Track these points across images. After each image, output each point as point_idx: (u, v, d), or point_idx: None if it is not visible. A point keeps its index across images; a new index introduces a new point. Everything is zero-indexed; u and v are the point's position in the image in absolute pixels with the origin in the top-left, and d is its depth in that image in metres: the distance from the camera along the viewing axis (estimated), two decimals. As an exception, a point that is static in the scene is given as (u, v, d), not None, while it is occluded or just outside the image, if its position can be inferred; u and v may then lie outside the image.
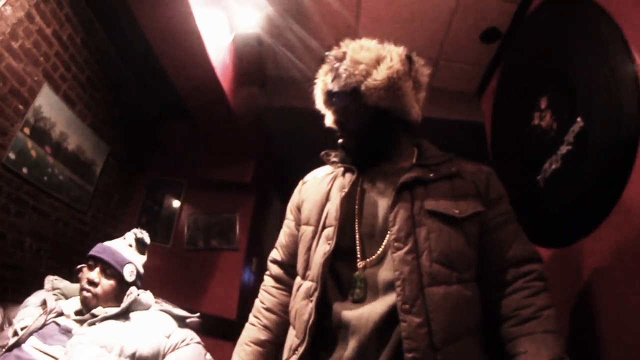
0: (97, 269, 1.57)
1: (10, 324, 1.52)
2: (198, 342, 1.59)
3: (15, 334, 1.43)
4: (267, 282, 1.32)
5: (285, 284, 1.27)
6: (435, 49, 2.87)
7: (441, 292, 0.96)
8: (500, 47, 2.59)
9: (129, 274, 1.61)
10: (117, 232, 3.36)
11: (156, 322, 1.55)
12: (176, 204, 3.60)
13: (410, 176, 1.07)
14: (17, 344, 1.39)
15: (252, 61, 3.06)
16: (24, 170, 2.32)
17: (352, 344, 0.96)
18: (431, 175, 1.09)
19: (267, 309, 1.26)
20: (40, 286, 2.36)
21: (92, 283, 1.54)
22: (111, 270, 1.58)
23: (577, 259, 1.51)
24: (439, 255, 0.99)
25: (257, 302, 1.31)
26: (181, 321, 1.63)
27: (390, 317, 0.95)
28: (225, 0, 2.51)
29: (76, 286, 1.63)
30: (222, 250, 3.42)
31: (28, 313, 1.50)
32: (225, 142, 3.30)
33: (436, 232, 1.01)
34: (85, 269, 1.60)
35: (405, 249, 0.99)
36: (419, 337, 0.91)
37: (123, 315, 1.52)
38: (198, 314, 1.69)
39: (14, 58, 2.17)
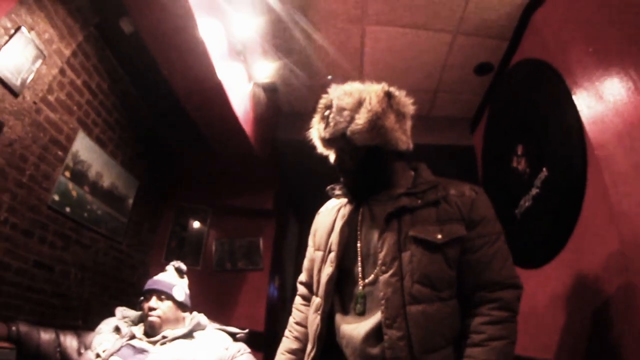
0: (154, 297, 1.87)
1: (87, 348, 1.82)
2: (250, 352, 1.89)
3: (98, 356, 1.69)
4: (297, 300, 1.49)
5: (309, 300, 1.40)
6: (434, 81, 3.14)
7: (420, 309, 1.07)
8: (493, 79, 2.79)
9: (177, 294, 1.91)
10: (148, 257, 3.62)
11: (216, 338, 1.86)
12: (203, 229, 3.81)
13: (397, 206, 1.17)
14: None
15: (268, 104, 3.39)
16: (67, 209, 2.55)
17: (348, 353, 1.14)
18: (419, 202, 1.18)
19: (297, 323, 1.42)
20: (87, 311, 2.65)
21: (152, 309, 1.83)
22: (164, 294, 1.89)
23: (543, 279, 1.87)
24: (420, 277, 1.09)
25: (290, 318, 1.47)
26: (233, 336, 1.93)
27: (378, 331, 1.09)
28: (244, 53, 2.79)
29: (139, 313, 1.95)
30: (248, 270, 3.67)
31: (105, 338, 1.78)
32: (247, 173, 3.57)
33: (418, 256, 1.11)
34: (143, 302, 1.89)
35: (390, 272, 1.11)
36: (398, 348, 1.04)
37: (188, 335, 1.82)
38: (247, 330, 2.00)
39: (51, 110, 2.40)
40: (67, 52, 2.46)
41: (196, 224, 3.84)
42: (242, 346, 1.90)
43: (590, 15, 1.55)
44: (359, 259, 1.20)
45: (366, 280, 1.17)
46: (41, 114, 2.33)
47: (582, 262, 1.59)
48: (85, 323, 2.76)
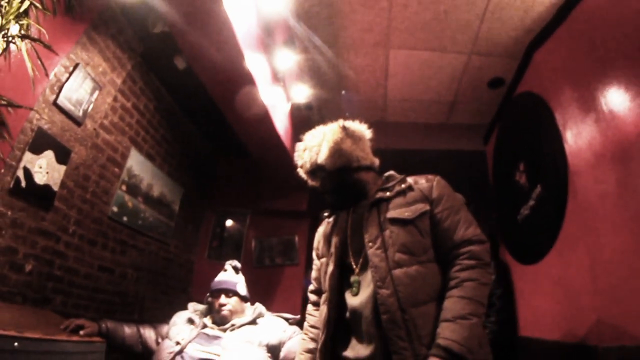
0: (222, 295, 2.15)
1: (163, 338, 2.08)
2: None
3: (178, 343, 1.95)
4: (309, 308, 1.69)
5: (319, 305, 1.63)
6: (451, 94, 3.32)
7: (403, 272, 1.27)
8: (506, 92, 2.89)
9: (240, 289, 2.21)
10: (192, 256, 3.87)
11: (275, 323, 2.13)
12: (242, 229, 4.02)
13: (375, 198, 1.42)
14: (180, 351, 1.92)
15: (304, 119, 3.62)
16: (124, 218, 2.79)
17: (362, 320, 1.33)
18: (388, 194, 1.42)
19: (312, 326, 1.62)
20: (141, 306, 2.93)
21: (222, 305, 2.11)
22: (230, 292, 2.17)
23: (537, 272, 2.18)
24: (399, 247, 1.30)
25: (305, 323, 1.67)
26: (287, 321, 2.18)
27: (374, 297, 1.29)
28: (283, 79, 2.98)
29: (206, 306, 2.23)
30: (286, 265, 3.89)
31: (180, 329, 2.05)
32: (283, 178, 3.71)
33: (395, 231, 1.33)
34: (213, 299, 2.16)
35: (376, 246, 1.33)
36: (389, 303, 1.23)
37: (253, 322, 2.10)
38: (299, 316, 2.22)
39: (107, 132, 2.61)
40: (119, 81, 2.67)
41: (236, 225, 4.05)
42: (296, 329, 2.13)
43: (578, 65, 1.75)
44: (350, 253, 1.43)
45: (358, 268, 1.39)
46: (99, 137, 2.54)
47: (562, 264, 1.89)
48: (141, 316, 3.03)
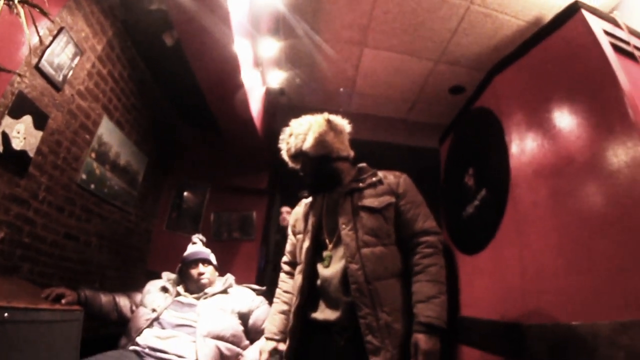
0: (200, 264, 2.26)
1: (137, 306, 2.15)
2: (267, 303, 2.26)
3: (154, 310, 2.04)
4: (282, 276, 1.89)
5: (292, 274, 1.82)
6: (414, 95, 3.58)
7: (369, 251, 1.51)
8: (466, 101, 3.18)
9: (213, 259, 2.37)
10: (152, 226, 3.88)
11: (244, 292, 2.28)
12: (201, 203, 4.04)
13: (349, 188, 1.64)
14: (157, 318, 2.01)
15: (275, 104, 3.68)
16: (92, 186, 2.73)
17: (331, 288, 1.56)
18: (360, 185, 1.64)
19: (285, 291, 1.83)
20: (102, 275, 3.00)
21: (201, 274, 2.23)
22: (206, 261, 2.30)
23: (477, 262, 2.39)
24: (367, 230, 1.54)
25: (277, 289, 1.87)
26: (255, 291, 2.34)
27: (344, 270, 1.52)
28: (262, 64, 3.05)
29: (176, 276, 2.31)
30: (242, 240, 3.98)
31: (155, 297, 2.14)
32: (248, 157, 3.81)
33: (365, 217, 1.56)
34: (190, 269, 2.26)
35: (348, 227, 1.55)
36: (357, 276, 1.47)
37: (224, 291, 2.23)
38: (265, 287, 2.40)
39: (82, 98, 2.52)
40: (99, 48, 2.58)
41: (195, 198, 4.05)
42: (263, 299, 2.31)
43: (529, 95, 2.09)
44: (325, 232, 1.65)
45: (331, 245, 1.62)
46: (73, 102, 2.45)
47: (498, 256, 2.20)
48: (102, 285, 3.02)
